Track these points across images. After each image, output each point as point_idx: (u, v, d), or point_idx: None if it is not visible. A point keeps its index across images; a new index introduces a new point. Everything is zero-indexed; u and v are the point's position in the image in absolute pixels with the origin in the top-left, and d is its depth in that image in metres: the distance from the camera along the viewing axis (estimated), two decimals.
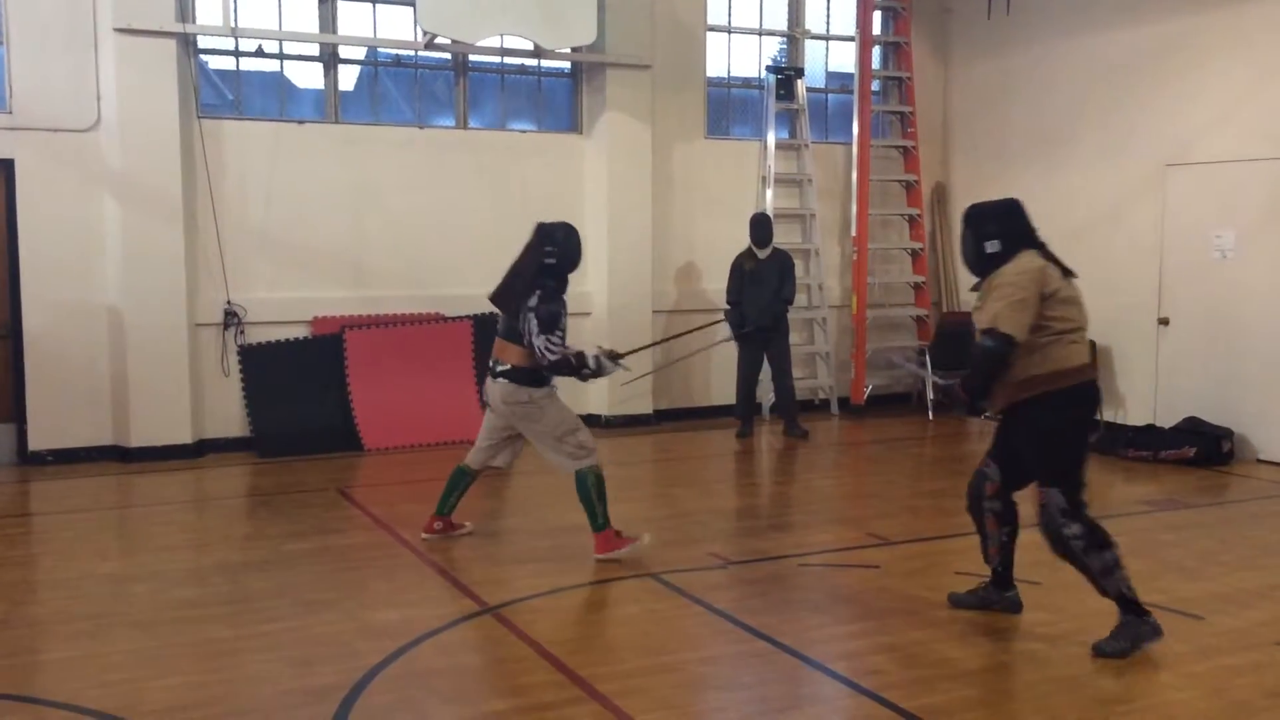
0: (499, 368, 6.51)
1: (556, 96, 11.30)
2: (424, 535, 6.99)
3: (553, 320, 6.28)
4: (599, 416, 10.97)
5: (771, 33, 12.15)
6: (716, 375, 11.47)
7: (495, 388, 6.53)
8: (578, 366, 6.39)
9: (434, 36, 9.98)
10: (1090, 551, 5.04)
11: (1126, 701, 4.62)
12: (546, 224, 6.61)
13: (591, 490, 6.47)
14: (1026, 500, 5.40)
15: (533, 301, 6.31)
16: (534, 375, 6.42)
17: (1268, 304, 9.28)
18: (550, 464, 6.63)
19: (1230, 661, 5.05)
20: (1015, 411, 5.27)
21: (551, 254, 6.44)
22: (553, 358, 6.27)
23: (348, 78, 10.56)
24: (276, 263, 9.95)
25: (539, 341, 6.27)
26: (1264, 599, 5.92)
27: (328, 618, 5.58)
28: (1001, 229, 5.26)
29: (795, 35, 12.18)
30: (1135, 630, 5.08)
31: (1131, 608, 5.10)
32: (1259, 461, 9.38)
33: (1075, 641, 5.27)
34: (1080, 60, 10.92)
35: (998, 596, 5.65)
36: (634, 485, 9.25)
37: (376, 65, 10.64)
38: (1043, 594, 5.87)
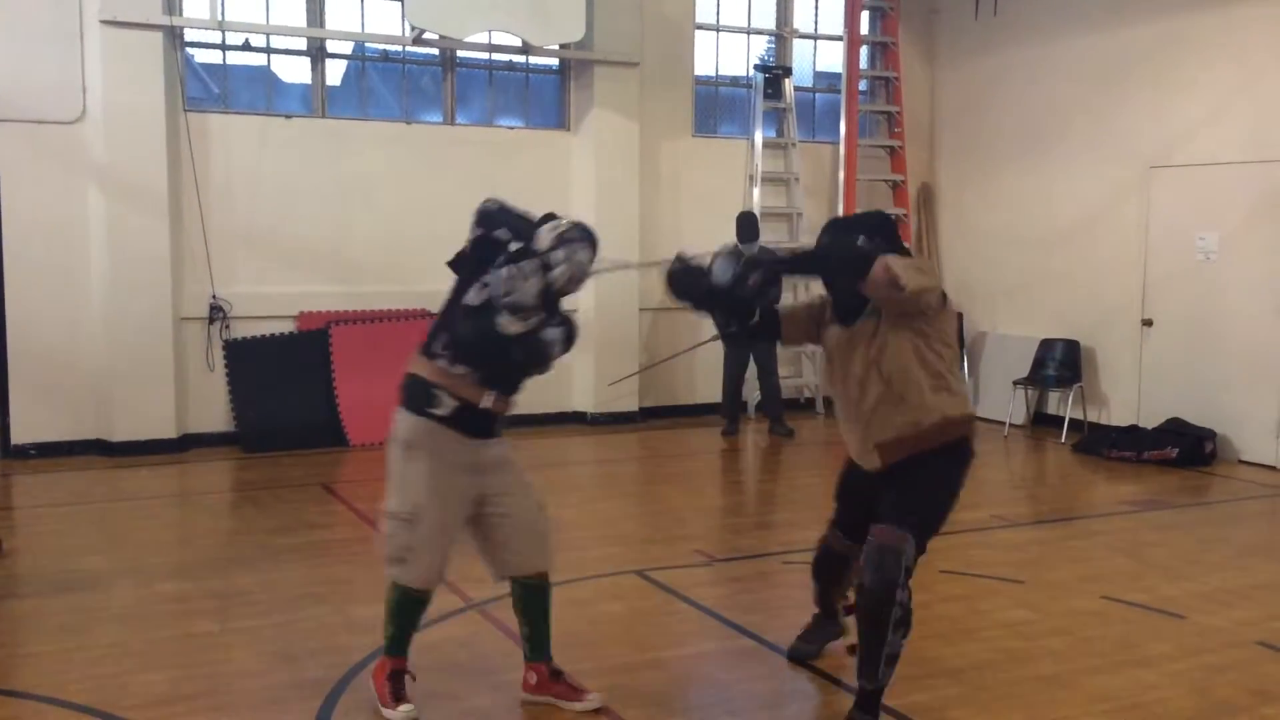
0: None
1: (544, 93, 11.29)
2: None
3: None
4: (584, 414, 10.98)
5: (760, 31, 12.16)
6: (702, 373, 11.46)
7: None
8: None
9: (422, 32, 9.96)
10: (899, 628, 4.21)
11: (1110, 699, 4.64)
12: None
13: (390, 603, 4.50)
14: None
15: None
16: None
17: (1250, 306, 9.33)
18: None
19: (1213, 660, 5.08)
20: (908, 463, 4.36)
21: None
22: None
23: (335, 72, 10.52)
24: (262, 257, 9.91)
25: None
26: (1246, 598, 5.96)
27: (313, 612, 5.57)
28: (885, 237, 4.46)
29: (783, 34, 12.20)
30: None
31: (875, 709, 4.34)
32: (1241, 462, 9.43)
33: (1058, 640, 5.30)
34: (1066, 62, 10.96)
35: (835, 626, 5.08)
36: (619, 483, 9.26)
37: (364, 60, 10.60)
38: (1025, 593, 5.91)
